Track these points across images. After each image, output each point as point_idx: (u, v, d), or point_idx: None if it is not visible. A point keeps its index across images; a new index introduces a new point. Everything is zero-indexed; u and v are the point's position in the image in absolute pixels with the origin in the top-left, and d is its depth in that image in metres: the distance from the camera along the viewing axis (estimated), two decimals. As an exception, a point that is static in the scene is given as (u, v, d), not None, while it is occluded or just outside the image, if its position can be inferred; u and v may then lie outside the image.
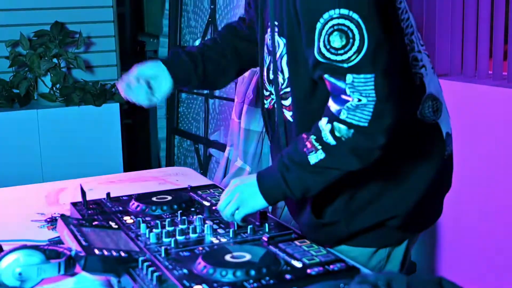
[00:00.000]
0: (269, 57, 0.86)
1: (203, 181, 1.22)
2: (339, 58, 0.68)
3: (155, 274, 0.62)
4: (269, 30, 0.84)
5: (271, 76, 0.85)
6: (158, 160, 2.80)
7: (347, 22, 0.67)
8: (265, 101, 0.92)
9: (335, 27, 0.67)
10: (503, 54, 1.59)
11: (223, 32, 1.07)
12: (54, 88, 2.25)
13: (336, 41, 0.68)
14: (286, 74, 0.81)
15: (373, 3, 0.68)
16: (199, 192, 1.02)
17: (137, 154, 2.90)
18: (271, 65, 0.85)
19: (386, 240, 0.86)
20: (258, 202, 0.78)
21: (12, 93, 2.23)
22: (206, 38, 2.21)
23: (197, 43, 2.11)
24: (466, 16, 1.69)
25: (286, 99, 0.83)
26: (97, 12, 2.41)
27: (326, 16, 0.68)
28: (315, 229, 0.82)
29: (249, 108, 1.37)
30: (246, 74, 1.17)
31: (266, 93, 0.91)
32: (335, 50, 0.68)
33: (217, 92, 2.30)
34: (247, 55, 1.01)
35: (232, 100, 1.87)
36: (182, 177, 1.25)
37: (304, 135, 0.74)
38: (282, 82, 0.82)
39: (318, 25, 0.69)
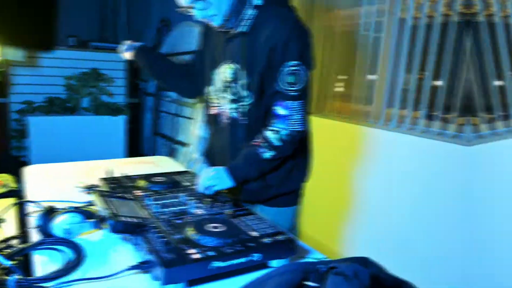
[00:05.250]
0: (224, 83, 1.25)
1: (176, 165, 1.86)
2: (291, 88, 1.13)
3: (163, 240, 0.87)
4: (223, 66, 1.24)
5: (224, 95, 1.26)
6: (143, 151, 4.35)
7: (298, 68, 1.12)
8: (211, 110, 1.34)
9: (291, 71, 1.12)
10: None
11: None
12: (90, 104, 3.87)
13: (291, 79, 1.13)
14: (244, 93, 1.22)
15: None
16: (180, 176, 1.41)
17: (134, 147, 4.32)
18: (227, 88, 1.24)
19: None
20: (228, 182, 1.19)
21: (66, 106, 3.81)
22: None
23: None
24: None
25: (238, 109, 1.24)
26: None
27: (287, 64, 1.11)
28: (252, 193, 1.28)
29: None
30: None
31: (213, 105, 1.32)
32: (289, 85, 1.13)
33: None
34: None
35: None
36: (164, 162, 1.91)
37: (256, 143, 1.17)
38: (236, 98, 1.23)
39: (281, 68, 1.12)
